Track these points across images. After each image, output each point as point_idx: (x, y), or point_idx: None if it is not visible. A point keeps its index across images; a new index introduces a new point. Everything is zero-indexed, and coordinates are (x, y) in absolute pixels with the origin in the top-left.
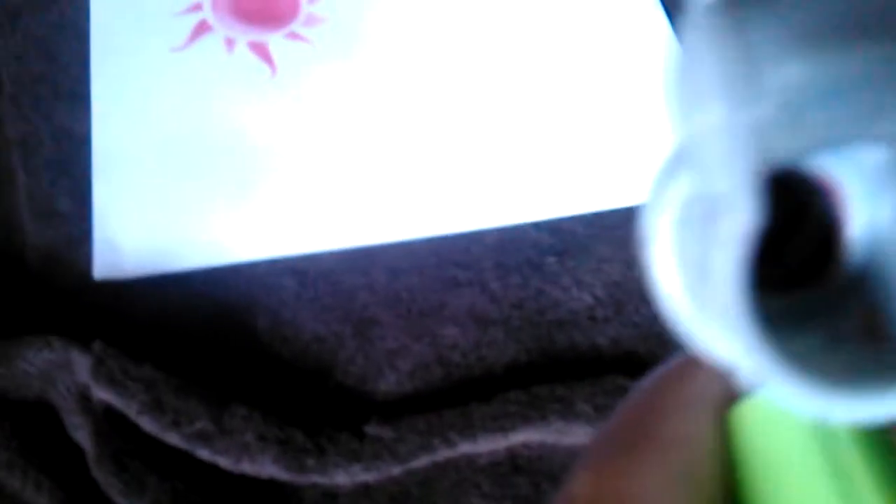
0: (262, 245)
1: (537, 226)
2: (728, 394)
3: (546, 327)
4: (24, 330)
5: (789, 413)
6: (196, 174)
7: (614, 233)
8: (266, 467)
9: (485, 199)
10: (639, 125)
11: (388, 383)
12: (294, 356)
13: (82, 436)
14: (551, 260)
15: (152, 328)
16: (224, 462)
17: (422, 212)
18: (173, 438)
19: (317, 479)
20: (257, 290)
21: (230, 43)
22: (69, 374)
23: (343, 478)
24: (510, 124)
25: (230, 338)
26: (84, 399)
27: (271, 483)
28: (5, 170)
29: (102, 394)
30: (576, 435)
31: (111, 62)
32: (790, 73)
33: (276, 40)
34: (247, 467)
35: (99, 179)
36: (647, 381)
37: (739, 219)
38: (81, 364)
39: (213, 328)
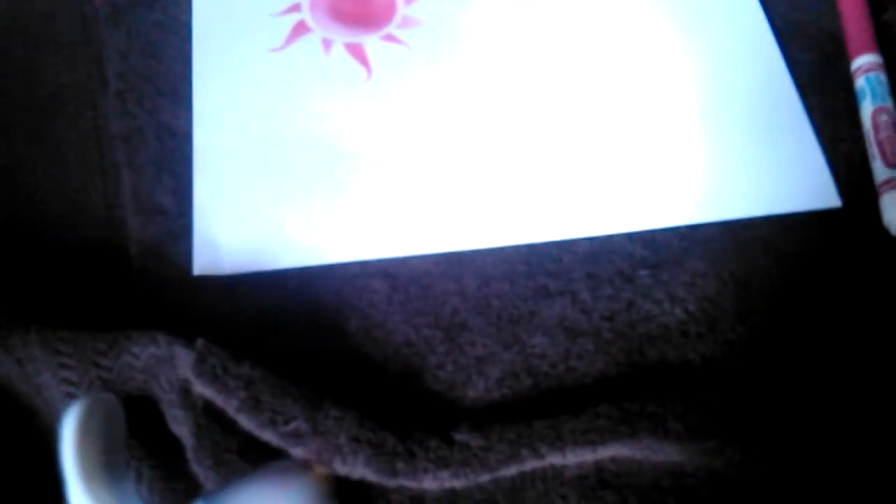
0: (354, 247)
1: (630, 237)
2: None
3: (637, 341)
4: (126, 323)
5: None
6: (292, 174)
7: (709, 246)
8: (357, 469)
9: (578, 209)
10: (737, 139)
11: (476, 390)
12: (384, 359)
13: (183, 429)
14: (644, 272)
15: (248, 325)
16: (317, 462)
17: (515, 219)
18: (269, 436)
19: (405, 482)
20: (349, 291)
21: (327, 44)
22: (171, 368)
23: (431, 483)
24: (606, 133)
25: (322, 338)
26: (185, 393)
27: (360, 484)
28: (110, 165)
29: (203, 389)
30: (666, 452)
31: (212, 61)
32: None
33: (372, 42)
34: (339, 467)
35: (199, 177)
36: None
37: None
38: (184, 359)
39: (306, 327)
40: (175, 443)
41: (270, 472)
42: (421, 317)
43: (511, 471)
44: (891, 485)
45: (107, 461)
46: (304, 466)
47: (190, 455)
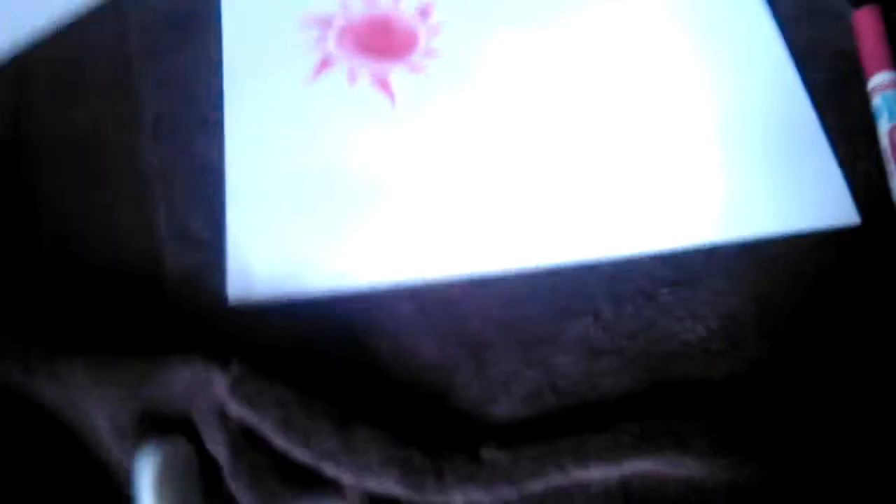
0: (382, 270)
1: (652, 256)
2: None
3: (659, 359)
4: (162, 350)
5: None
6: (321, 203)
7: (730, 265)
8: (388, 486)
9: (599, 230)
10: (756, 159)
11: (502, 408)
12: (413, 379)
13: (219, 449)
14: (665, 290)
15: (280, 350)
16: (348, 479)
17: (537, 241)
18: (302, 455)
19: (434, 498)
20: (378, 314)
21: (353, 75)
22: (208, 391)
23: (459, 498)
24: (626, 155)
25: (351, 359)
26: (221, 414)
27: (391, 501)
28: (146, 198)
29: (238, 411)
30: (689, 468)
31: (242, 96)
32: None
33: (396, 72)
34: (370, 485)
35: (232, 208)
36: None
37: None
38: (219, 382)
39: (337, 350)
40: (214, 465)
41: None
42: (447, 337)
43: (537, 487)
44: None
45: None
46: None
47: (227, 475)
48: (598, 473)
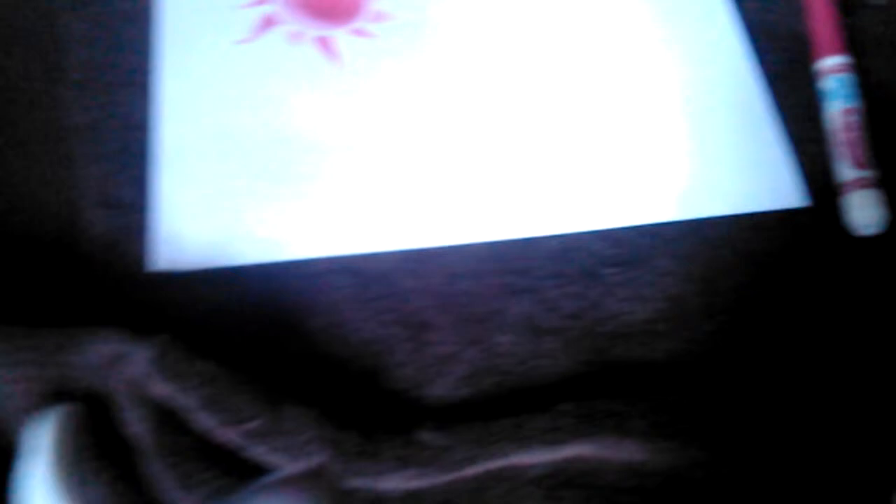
0: (318, 243)
1: (597, 235)
2: None
3: (603, 339)
4: (79, 319)
5: None
6: (257, 168)
7: (675, 246)
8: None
9: (545, 206)
10: (705, 139)
11: (440, 389)
12: (347, 357)
13: (137, 429)
14: (610, 270)
15: (208, 323)
16: (278, 460)
17: (481, 216)
18: (230, 434)
19: (368, 482)
20: (312, 288)
21: (296, 37)
22: (126, 366)
23: (394, 483)
24: (573, 131)
25: (283, 335)
26: (140, 392)
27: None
28: (67, 157)
29: (162, 387)
30: (629, 451)
31: (178, 53)
32: None
33: (341, 35)
34: (300, 466)
35: (164, 170)
36: None
37: None
38: (142, 356)
39: (267, 325)
40: (124, 446)
41: (276, 487)
42: (385, 314)
43: (474, 470)
44: (854, 482)
45: (79, 475)
46: (312, 477)
47: (146, 455)
48: (537, 457)
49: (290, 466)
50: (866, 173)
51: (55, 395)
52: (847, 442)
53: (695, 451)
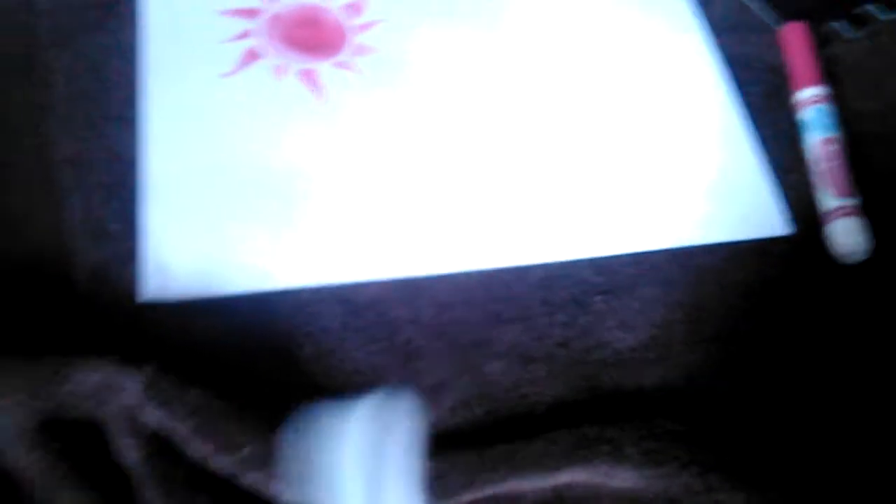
0: (307, 272)
1: (584, 263)
2: None
3: (591, 367)
4: (71, 348)
5: None
6: (244, 199)
7: (660, 274)
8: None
9: (532, 235)
10: (688, 169)
11: (432, 417)
12: (338, 385)
13: (130, 458)
14: (597, 299)
15: (197, 352)
16: (271, 488)
17: (469, 245)
18: (222, 462)
19: None
20: (302, 317)
21: (279, 70)
22: (118, 395)
23: None
24: (558, 161)
25: (274, 364)
26: (133, 421)
27: None
28: (56, 189)
29: (152, 416)
30: (622, 478)
31: (163, 86)
32: None
33: (325, 69)
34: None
35: (151, 201)
36: None
37: None
38: (131, 386)
39: (258, 354)
40: (122, 473)
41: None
42: (375, 343)
43: (468, 497)
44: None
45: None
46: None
47: (139, 484)
48: (531, 484)
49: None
50: (849, 201)
51: (48, 423)
52: (833, 463)
53: (688, 478)
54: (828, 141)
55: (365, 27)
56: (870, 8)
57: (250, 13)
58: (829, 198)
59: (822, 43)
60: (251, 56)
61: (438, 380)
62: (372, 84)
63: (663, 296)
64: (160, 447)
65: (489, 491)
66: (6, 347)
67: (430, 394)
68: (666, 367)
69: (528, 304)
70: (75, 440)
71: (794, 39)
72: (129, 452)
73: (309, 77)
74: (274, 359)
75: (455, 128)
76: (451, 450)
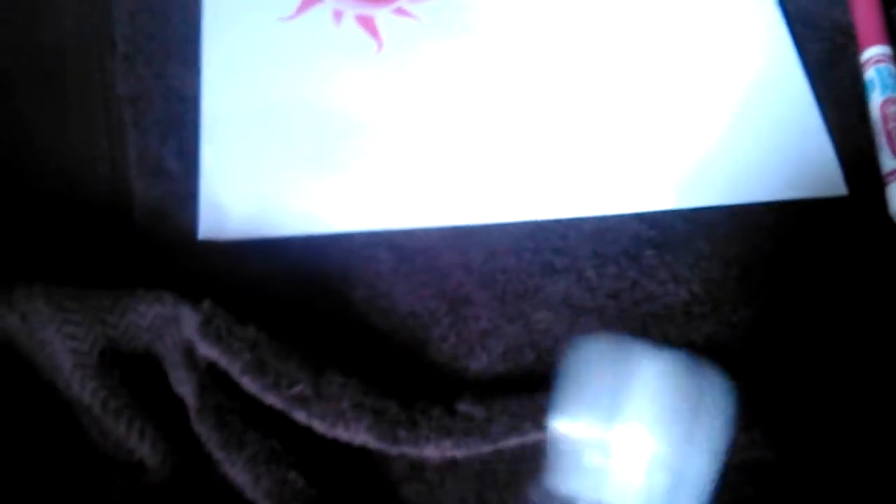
0: (361, 217)
1: (637, 217)
2: None
3: (640, 320)
4: (128, 283)
5: None
6: (299, 143)
7: (714, 230)
8: (359, 435)
9: (586, 187)
10: (746, 125)
11: (479, 363)
12: (388, 329)
13: (186, 390)
14: (649, 252)
15: (251, 291)
16: (319, 426)
17: (523, 195)
18: (272, 399)
19: (407, 450)
20: (355, 261)
21: (338, 15)
22: (177, 329)
23: (432, 451)
24: (616, 113)
25: (326, 306)
26: (189, 354)
27: (362, 450)
28: (116, 127)
29: (207, 351)
30: None
31: (222, 27)
32: None
33: (383, 15)
34: (341, 433)
35: (207, 141)
36: None
37: None
38: (190, 320)
39: (311, 295)
40: (179, 403)
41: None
42: (426, 288)
43: (512, 442)
44: (887, 475)
45: None
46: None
47: (192, 415)
48: None
49: None
50: None
51: (107, 353)
52: (881, 432)
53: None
54: (888, 101)
55: None
56: None
57: None
58: (891, 159)
59: (891, 2)
60: (311, 0)
61: (488, 326)
62: (429, 31)
63: (716, 252)
64: (215, 381)
65: (533, 437)
66: (67, 280)
67: (479, 339)
68: (715, 322)
69: (579, 254)
70: (133, 371)
71: None
72: (185, 385)
73: (367, 23)
74: (326, 301)
75: (510, 77)
76: (497, 395)
